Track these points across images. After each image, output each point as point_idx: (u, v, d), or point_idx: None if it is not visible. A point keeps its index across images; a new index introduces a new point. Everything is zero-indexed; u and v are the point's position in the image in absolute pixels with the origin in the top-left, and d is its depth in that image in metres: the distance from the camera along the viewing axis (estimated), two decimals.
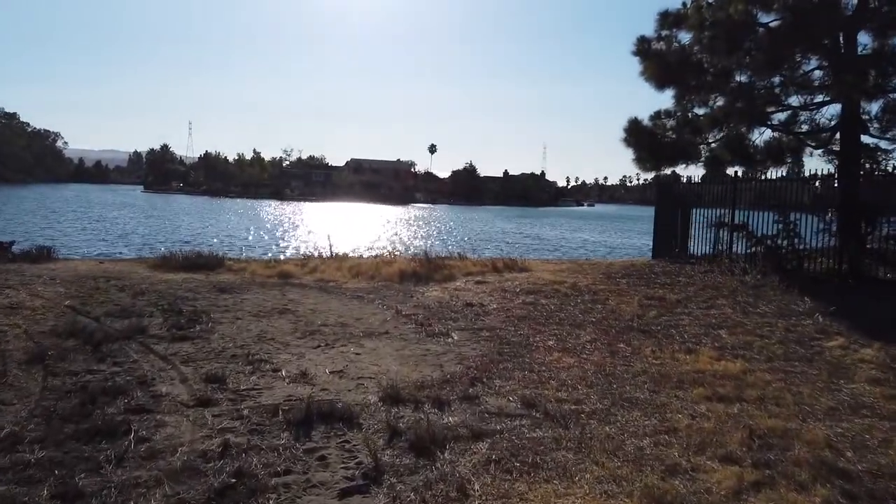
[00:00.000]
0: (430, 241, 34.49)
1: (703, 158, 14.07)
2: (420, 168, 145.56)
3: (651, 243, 16.20)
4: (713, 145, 13.58)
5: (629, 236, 46.44)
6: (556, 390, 5.23)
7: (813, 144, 12.54)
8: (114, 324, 7.16)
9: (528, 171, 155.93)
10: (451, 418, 4.53)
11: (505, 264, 13.44)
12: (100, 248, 23.14)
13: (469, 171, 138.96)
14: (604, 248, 32.70)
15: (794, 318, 8.47)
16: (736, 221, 12.66)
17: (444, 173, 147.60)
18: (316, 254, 15.11)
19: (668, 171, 15.18)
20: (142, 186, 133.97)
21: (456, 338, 7.29)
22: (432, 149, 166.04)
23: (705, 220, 13.98)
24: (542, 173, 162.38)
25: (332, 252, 15.09)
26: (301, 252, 16.29)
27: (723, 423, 4.43)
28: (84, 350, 5.97)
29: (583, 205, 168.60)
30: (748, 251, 11.79)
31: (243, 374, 5.54)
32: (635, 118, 13.80)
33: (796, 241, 11.06)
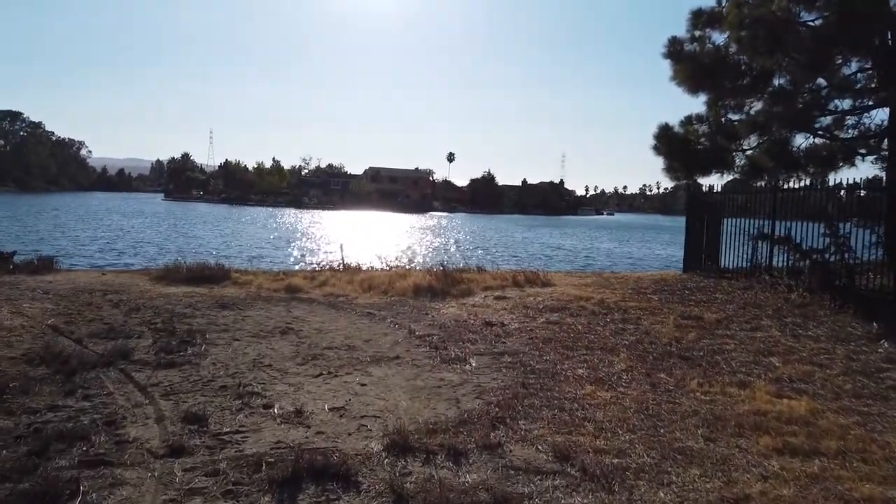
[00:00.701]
0: (446, 252, 33.71)
1: (738, 166, 13.19)
2: (438, 176, 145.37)
3: (678, 255, 15.33)
4: (751, 152, 12.70)
5: (653, 247, 45.25)
6: (593, 436, 4.43)
7: (863, 150, 11.61)
8: (96, 346, 6.50)
9: (547, 180, 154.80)
10: (469, 476, 3.74)
11: (526, 278, 12.63)
12: (109, 257, 22.74)
13: (487, 180, 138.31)
14: (628, 259, 31.63)
15: (852, 343, 7.57)
16: (777, 233, 11.73)
17: (462, 182, 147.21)
18: (327, 265, 14.42)
19: (699, 180, 14.31)
20: (163, 194, 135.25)
21: (474, 364, 6.51)
22: (450, 157, 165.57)
23: (741, 231, 13.06)
24: (561, 181, 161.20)
25: (344, 264, 14.40)
26: (313, 263, 15.68)
27: (805, 489, 3.59)
28: (54, 380, 5.29)
29: (602, 213, 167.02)
30: (792, 265, 10.84)
31: (229, 411, 4.81)
32: (666, 124, 12.98)
33: (847, 255, 10.12)
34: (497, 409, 4.99)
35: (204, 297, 10.04)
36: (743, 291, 11.20)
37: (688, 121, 14.00)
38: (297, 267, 17.92)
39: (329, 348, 7.02)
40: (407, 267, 15.10)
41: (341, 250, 14.82)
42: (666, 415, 4.94)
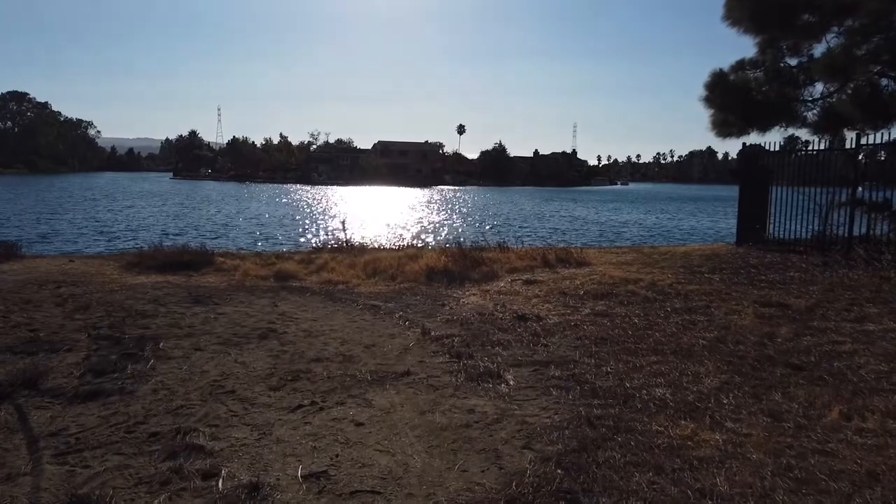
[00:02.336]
0: (461, 227, 31.79)
1: (802, 117, 11.21)
2: (448, 149, 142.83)
3: (714, 226, 13.51)
4: (819, 101, 10.70)
5: (682, 217, 42.67)
6: None
7: None
8: (2, 367, 4.83)
9: (559, 150, 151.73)
10: None
11: (557, 256, 10.86)
12: (91, 242, 21.14)
13: (498, 151, 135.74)
14: (659, 231, 29.22)
15: None
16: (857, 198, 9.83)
17: (472, 154, 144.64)
18: (329, 245, 12.70)
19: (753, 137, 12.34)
20: (172, 174, 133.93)
21: (512, 383, 4.78)
22: (461, 129, 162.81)
23: (805, 197, 11.19)
24: (574, 152, 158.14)
25: (347, 242, 12.67)
26: (312, 243, 13.95)
27: None
28: None
29: (616, 184, 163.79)
30: (889, 236, 8.96)
31: (147, 486, 3.11)
32: (721, 70, 11.00)
33: None
34: (561, 473, 3.25)
35: (176, 288, 8.38)
36: (823, 269, 9.36)
37: (739, 66, 12.00)
38: (294, 247, 16.23)
39: (317, 360, 5.31)
40: (418, 245, 13.36)
41: (344, 228, 13.07)
42: (827, 481, 3.17)
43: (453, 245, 11.28)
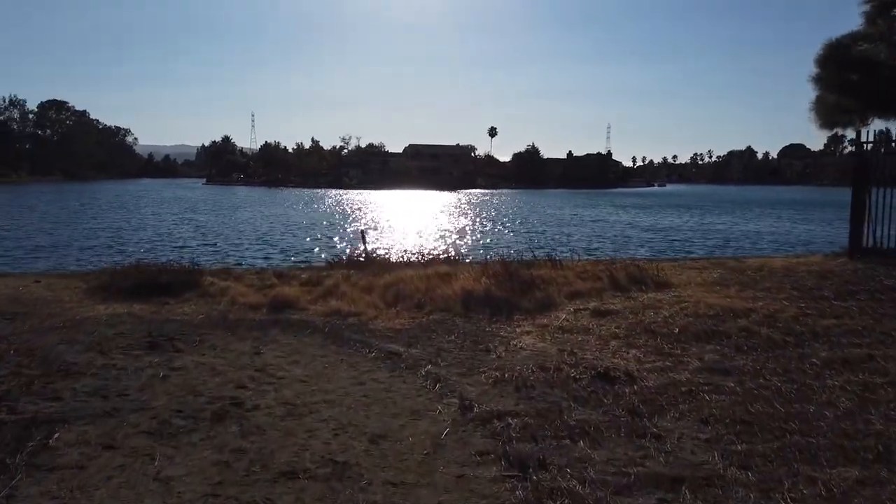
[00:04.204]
0: (500, 235, 29.31)
1: None
2: (480, 152, 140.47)
3: (783, 231, 11.04)
4: None
5: (741, 221, 38.73)
6: None
7: None
8: None
9: (593, 152, 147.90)
10: None
11: (628, 274, 8.59)
12: (90, 255, 19.49)
13: (531, 154, 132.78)
14: (727, 237, 25.61)
15: None
16: None
17: (505, 157, 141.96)
18: (344, 259, 10.65)
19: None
20: (205, 179, 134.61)
21: None
22: (492, 132, 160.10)
23: None
24: (609, 153, 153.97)
25: (367, 256, 10.62)
26: (324, 257, 11.88)
27: None
28: None
29: (653, 185, 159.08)
30: None
31: None
32: (836, 41, 8.57)
33: None
34: None
35: (136, 323, 6.42)
36: None
37: (851, 41, 9.57)
38: (306, 260, 14.24)
39: (289, 474, 3.21)
40: (451, 257, 11.20)
41: (363, 239, 11.01)
42: None
43: (495, 261, 9.10)
